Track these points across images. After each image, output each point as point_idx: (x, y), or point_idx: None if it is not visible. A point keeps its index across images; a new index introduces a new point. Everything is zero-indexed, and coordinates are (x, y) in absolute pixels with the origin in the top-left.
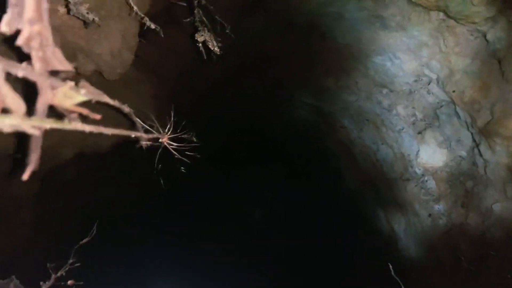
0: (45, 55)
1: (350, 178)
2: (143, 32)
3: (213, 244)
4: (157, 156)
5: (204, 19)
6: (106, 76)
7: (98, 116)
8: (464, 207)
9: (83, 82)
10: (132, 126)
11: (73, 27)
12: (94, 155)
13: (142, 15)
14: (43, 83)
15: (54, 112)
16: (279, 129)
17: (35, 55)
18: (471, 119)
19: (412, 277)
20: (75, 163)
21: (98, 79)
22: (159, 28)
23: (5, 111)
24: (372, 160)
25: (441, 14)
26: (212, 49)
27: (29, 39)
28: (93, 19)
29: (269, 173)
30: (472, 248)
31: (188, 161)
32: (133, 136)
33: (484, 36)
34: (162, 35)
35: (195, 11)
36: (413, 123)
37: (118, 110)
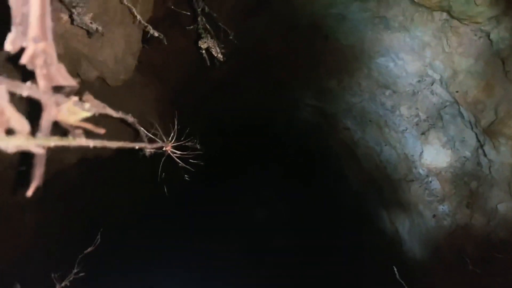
0: (49, 72)
1: (353, 179)
2: (147, 37)
3: (215, 245)
4: (161, 165)
5: (207, 26)
6: (110, 83)
7: (102, 131)
8: (468, 208)
9: (87, 96)
10: (136, 134)
11: (77, 34)
12: (97, 159)
13: (146, 24)
14: (48, 100)
15: (58, 128)
16: (282, 130)
17: (39, 72)
18: (475, 119)
19: (417, 279)
20: (78, 167)
21: (101, 85)
22: (162, 35)
23: (9, 132)
24: (376, 161)
25: (444, 15)
26: (215, 55)
27: (33, 57)
28: (97, 28)
29: (272, 174)
30: (477, 249)
31: (192, 169)
32: (136, 147)
33: (488, 36)
34: (166, 42)
35: (199, 19)
36: (417, 124)
37: (122, 120)
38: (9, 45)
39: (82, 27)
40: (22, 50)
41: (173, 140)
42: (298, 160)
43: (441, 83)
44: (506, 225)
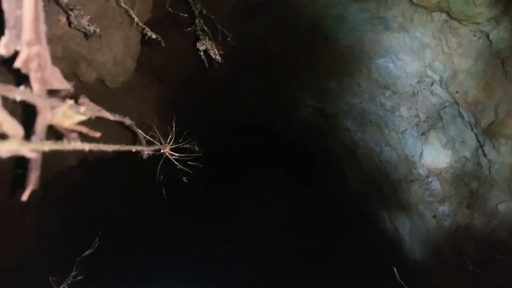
0: (43, 75)
1: (353, 180)
2: (145, 39)
3: (215, 246)
4: (159, 168)
5: (205, 28)
6: (109, 85)
7: (98, 134)
8: (469, 208)
9: (82, 99)
10: (135, 136)
11: (75, 36)
12: (98, 161)
13: (143, 26)
14: (42, 104)
15: (53, 132)
16: (282, 131)
17: (33, 76)
18: (475, 120)
19: (417, 279)
20: (79, 168)
21: (101, 87)
22: (160, 37)
23: (2, 136)
24: (376, 161)
25: (444, 15)
26: (214, 57)
27: (27, 61)
28: (94, 30)
29: (272, 174)
30: (478, 250)
31: (190, 171)
32: (133, 150)
33: (487, 36)
34: (164, 44)
35: (196, 20)
36: (417, 125)
37: (119, 123)
38: (3, 49)
39: (79, 30)
40: (16, 54)
41: (171, 142)
42: (298, 160)
43: (441, 83)
44: (507, 225)
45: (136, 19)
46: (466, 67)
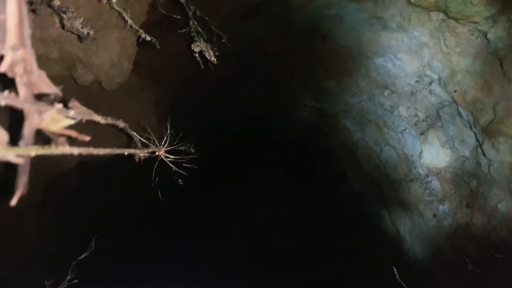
0: (30, 80)
1: (354, 179)
2: (140, 41)
3: (216, 246)
4: (154, 170)
5: (200, 30)
6: (106, 86)
7: (87, 138)
8: (469, 207)
9: (73, 102)
10: (131, 138)
11: (71, 38)
12: (98, 162)
13: (138, 28)
14: (29, 108)
15: (42, 137)
16: (282, 131)
17: (19, 81)
18: (473, 119)
19: (418, 278)
20: (78, 171)
21: (98, 88)
22: (155, 40)
23: None
24: (376, 161)
25: (441, 15)
26: (209, 59)
27: (12, 65)
28: (88, 33)
29: (272, 174)
30: (478, 249)
31: (186, 173)
32: (126, 154)
33: (485, 35)
34: (158, 46)
35: (190, 22)
36: (416, 124)
37: (113, 126)
38: None
39: (73, 32)
40: (0, 58)
41: (167, 144)
42: (298, 160)
43: (440, 82)
44: (507, 224)
45: (130, 21)
46: (464, 66)
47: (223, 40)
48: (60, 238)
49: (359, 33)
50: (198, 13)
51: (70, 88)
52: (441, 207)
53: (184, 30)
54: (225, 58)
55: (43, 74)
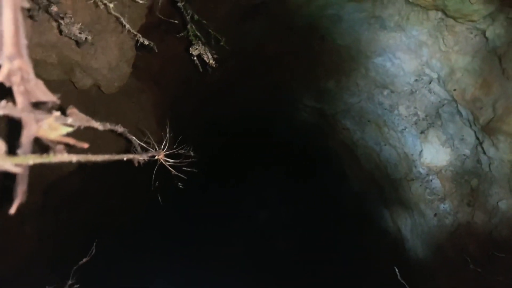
0: (27, 88)
1: (354, 179)
2: (138, 44)
3: (216, 247)
4: (154, 174)
5: (198, 33)
6: (105, 90)
7: (85, 145)
8: (470, 206)
9: (71, 109)
10: (130, 142)
11: (69, 42)
12: (98, 165)
13: (135, 33)
14: (27, 117)
15: (40, 145)
16: (282, 131)
17: (17, 89)
18: (473, 117)
19: (420, 278)
20: (78, 174)
21: (97, 93)
22: (153, 44)
23: None
24: (376, 161)
25: (440, 13)
26: (207, 62)
27: (9, 75)
28: (86, 38)
29: (272, 175)
30: (480, 248)
31: (185, 177)
32: (125, 159)
33: (484, 33)
34: (156, 50)
35: (188, 26)
36: (416, 123)
37: (112, 131)
38: None
39: (70, 38)
40: None
41: (166, 148)
42: (298, 160)
43: (439, 81)
44: (508, 222)
45: (127, 25)
46: (463, 65)
47: (221, 43)
48: (60, 242)
49: (358, 32)
50: (196, 17)
51: (69, 92)
52: (442, 206)
53: (182, 34)
54: (224, 60)
55: (40, 82)
